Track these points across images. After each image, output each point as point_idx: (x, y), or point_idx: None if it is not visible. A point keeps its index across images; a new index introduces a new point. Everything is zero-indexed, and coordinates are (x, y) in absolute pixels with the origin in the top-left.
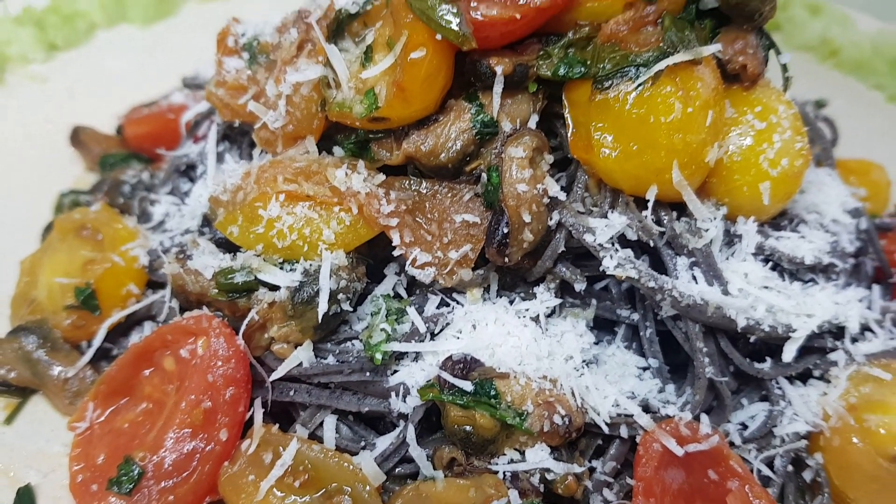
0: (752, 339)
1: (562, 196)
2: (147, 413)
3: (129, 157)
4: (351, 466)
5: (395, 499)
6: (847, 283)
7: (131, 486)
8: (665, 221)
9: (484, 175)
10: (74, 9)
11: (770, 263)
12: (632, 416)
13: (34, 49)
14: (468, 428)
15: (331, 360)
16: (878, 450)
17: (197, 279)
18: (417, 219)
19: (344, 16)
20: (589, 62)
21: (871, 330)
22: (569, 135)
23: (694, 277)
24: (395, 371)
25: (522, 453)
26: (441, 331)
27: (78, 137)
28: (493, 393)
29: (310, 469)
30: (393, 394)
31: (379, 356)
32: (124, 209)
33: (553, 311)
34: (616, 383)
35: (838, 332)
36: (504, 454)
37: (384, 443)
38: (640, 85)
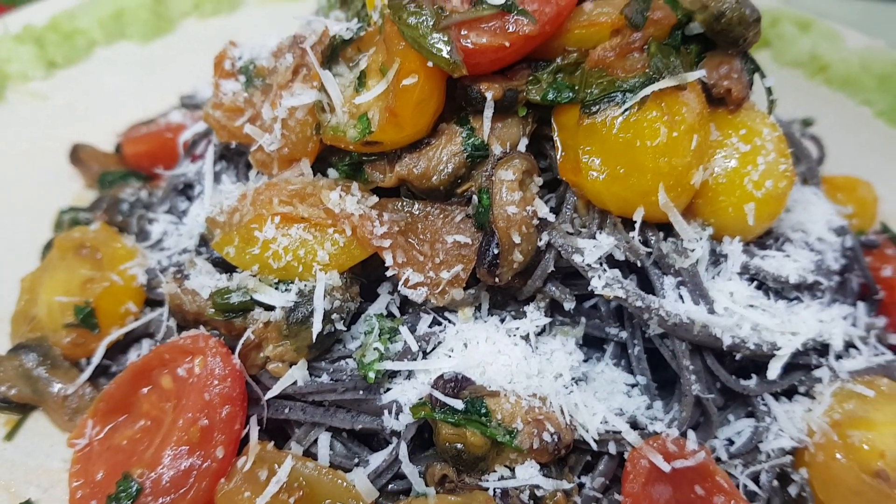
0: (738, 356)
1: (551, 217)
2: (145, 430)
3: (127, 175)
4: (344, 483)
5: None
6: (832, 301)
7: (130, 503)
8: (652, 242)
9: (475, 197)
10: (74, 27)
11: (755, 282)
12: (620, 432)
13: (34, 67)
14: (459, 445)
15: (325, 378)
16: (861, 465)
17: (194, 299)
18: (410, 239)
19: (338, 42)
20: (577, 87)
21: (855, 347)
22: (558, 157)
23: (680, 296)
24: (388, 389)
25: (512, 470)
26: (433, 349)
27: (77, 155)
28: (483, 411)
29: (304, 486)
30: (386, 411)
31: (372, 375)
32: (123, 227)
33: (543, 330)
34: (605, 400)
35: (823, 349)
36: (494, 471)
37: (377, 460)
38: (626, 110)
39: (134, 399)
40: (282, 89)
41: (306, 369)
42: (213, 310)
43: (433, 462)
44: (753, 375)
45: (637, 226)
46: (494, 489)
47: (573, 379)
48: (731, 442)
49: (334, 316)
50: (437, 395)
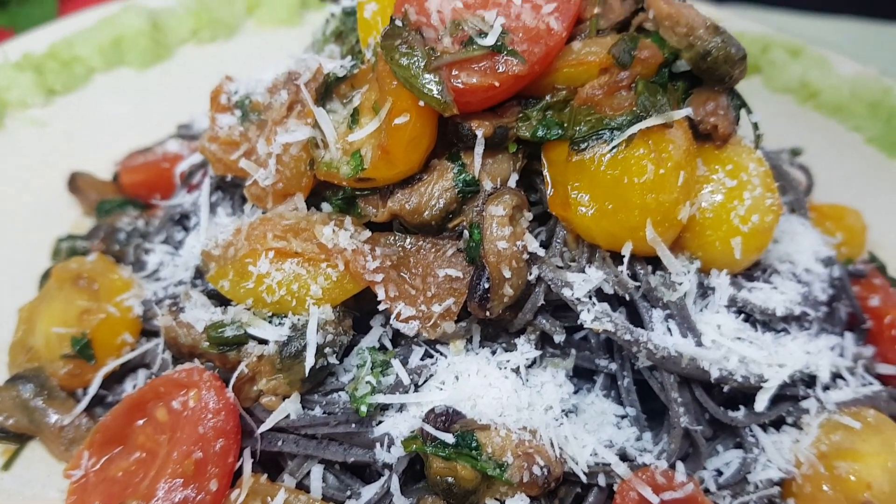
0: (726, 388)
1: (541, 252)
2: (140, 462)
3: (125, 204)
4: None
5: None
6: (820, 331)
7: None
8: (640, 275)
9: (466, 231)
10: (73, 54)
11: (743, 315)
12: (609, 464)
13: (33, 94)
14: (450, 479)
15: (317, 411)
16: (848, 497)
17: (189, 332)
18: (402, 274)
19: (332, 79)
20: (566, 124)
21: (842, 377)
22: (548, 192)
23: (669, 329)
24: (380, 422)
25: (503, 503)
26: (425, 382)
27: (75, 184)
28: (474, 445)
29: None
30: (378, 444)
31: (364, 408)
32: (119, 256)
33: (533, 362)
34: (594, 432)
35: (810, 380)
36: None
37: (369, 492)
38: (614, 147)
39: (129, 431)
40: (276, 125)
41: (299, 403)
42: (208, 343)
43: (425, 495)
44: (741, 406)
45: (625, 260)
46: None
47: (563, 411)
48: (719, 473)
49: (327, 350)
50: (429, 429)
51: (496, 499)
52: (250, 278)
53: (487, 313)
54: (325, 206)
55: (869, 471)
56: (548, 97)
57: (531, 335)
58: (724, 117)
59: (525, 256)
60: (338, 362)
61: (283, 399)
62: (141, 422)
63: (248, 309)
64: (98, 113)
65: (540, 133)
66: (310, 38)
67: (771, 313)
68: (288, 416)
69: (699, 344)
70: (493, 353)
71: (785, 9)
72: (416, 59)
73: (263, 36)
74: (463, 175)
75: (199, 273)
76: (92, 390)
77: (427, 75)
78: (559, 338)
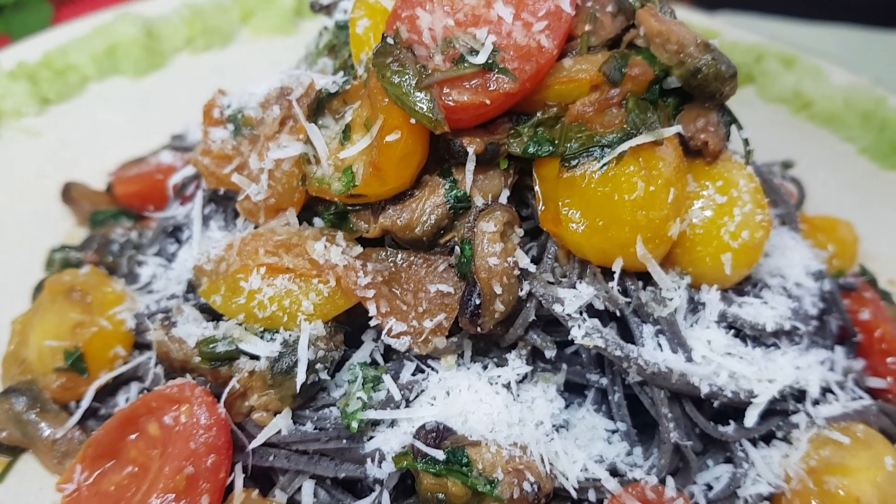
0: (716, 403)
1: (532, 268)
2: (132, 476)
3: (118, 214)
4: None
5: None
6: (810, 344)
7: None
8: (631, 291)
9: (457, 247)
10: (67, 62)
11: (733, 330)
12: (599, 480)
13: (27, 103)
14: (441, 496)
15: (309, 426)
16: None
17: (181, 347)
18: (393, 289)
19: (324, 95)
20: (557, 141)
21: (832, 392)
22: (539, 208)
23: (659, 345)
24: (371, 437)
25: None
26: (416, 397)
27: (69, 194)
28: (464, 461)
29: None
30: (369, 460)
31: (355, 424)
32: (112, 267)
33: (525, 377)
34: (585, 447)
35: (800, 395)
36: None
37: None
38: (604, 164)
39: (122, 445)
40: (269, 140)
41: (290, 418)
42: (200, 358)
43: None
44: (731, 421)
45: (616, 275)
46: None
47: (554, 426)
48: (709, 487)
49: (318, 366)
50: (419, 445)
51: None
52: (242, 294)
53: (479, 329)
54: (317, 221)
55: (858, 486)
56: (539, 113)
57: (522, 350)
58: (715, 134)
59: (516, 272)
60: (329, 378)
61: (275, 414)
62: (133, 436)
63: (240, 324)
64: (92, 122)
65: (531, 149)
66: (304, 46)
67: (761, 329)
68: (279, 432)
69: (689, 359)
70: (485, 367)
71: (779, 16)
72: (407, 77)
73: (258, 44)
74: (454, 191)
75: (192, 287)
76: (85, 403)
77: (418, 93)
78: (550, 353)
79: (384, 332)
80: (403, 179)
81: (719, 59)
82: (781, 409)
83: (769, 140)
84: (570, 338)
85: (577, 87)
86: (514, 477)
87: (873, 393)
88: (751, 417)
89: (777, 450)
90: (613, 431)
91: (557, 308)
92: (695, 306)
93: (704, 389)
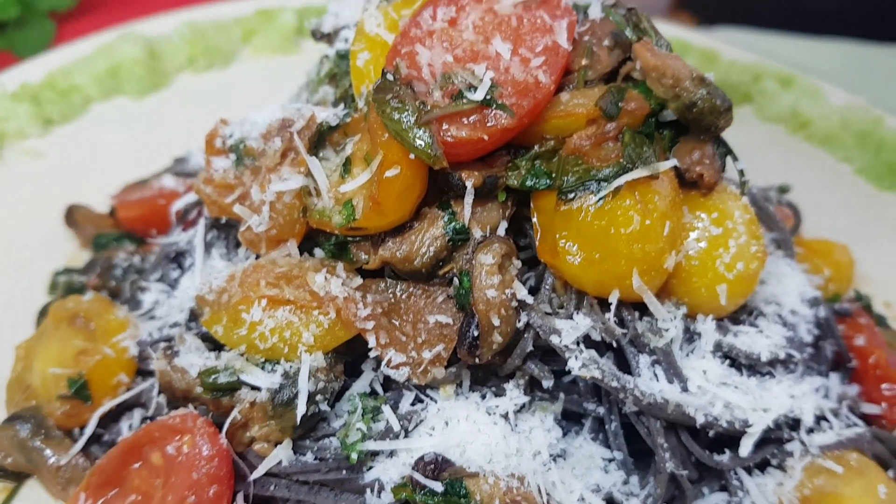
0: (711, 433)
1: (529, 299)
2: None
3: (121, 237)
4: None
5: None
6: (806, 371)
7: None
8: (628, 321)
9: (456, 279)
10: (70, 83)
11: (728, 359)
12: None
13: (31, 124)
14: None
15: (309, 456)
16: None
17: (183, 377)
18: (393, 320)
19: (325, 128)
20: (554, 174)
21: (826, 419)
22: (536, 239)
23: (655, 375)
24: (371, 467)
25: None
26: (415, 427)
27: (72, 217)
28: (463, 492)
29: None
30: (368, 490)
31: (355, 455)
32: (115, 292)
33: (523, 406)
34: (582, 476)
35: (794, 423)
36: None
37: None
38: (601, 198)
39: (125, 474)
40: (270, 172)
41: (291, 449)
42: (202, 388)
43: None
44: (727, 450)
45: (613, 306)
46: None
47: (551, 455)
48: None
49: (318, 397)
50: (418, 477)
51: None
52: (243, 325)
53: (477, 360)
54: (318, 251)
55: None
56: (536, 146)
57: (520, 380)
58: (710, 166)
59: (514, 304)
60: (329, 408)
61: (276, 445)
62: (136, 465)
63: (242, 355)
64: (95, 143)
65: (529, 182)
66: (305, 65)
67: (756, 358)
68: (280, 462)
69: (685, 389)
70: (483, 397)
71: (777, 31)
72: (406, 113)
73: (259, 63)
74: (453, 223)
75: (194, 315)
76: (88, 430)
77: (417, 129)
78: (548, 383)
79: (383, 362)
80: (403, 213)
81: (714, 94)
82: (776, 438)
83: (766, 160)
84: (566, 369)
85: (574, 121)
86: None
87: (868, 419)
88: (745, 447)
89: (772, 478)
90: (610, 460)
91: (555, 339)
92: (690, 336)
93: (700, 419)
